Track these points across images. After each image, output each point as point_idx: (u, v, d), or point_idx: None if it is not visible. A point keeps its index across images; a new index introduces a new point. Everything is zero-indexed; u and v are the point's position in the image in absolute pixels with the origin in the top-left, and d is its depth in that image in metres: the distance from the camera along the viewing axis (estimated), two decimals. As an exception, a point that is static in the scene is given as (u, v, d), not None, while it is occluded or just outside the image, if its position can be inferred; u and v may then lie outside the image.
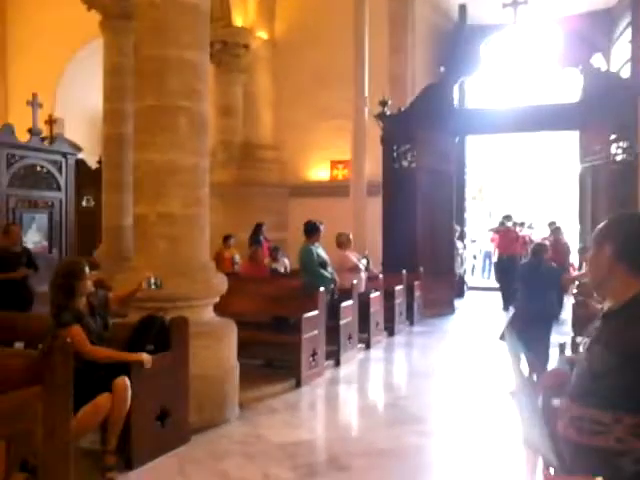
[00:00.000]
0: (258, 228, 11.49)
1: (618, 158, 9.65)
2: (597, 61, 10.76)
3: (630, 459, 1.58)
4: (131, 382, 3.94)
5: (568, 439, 1.74)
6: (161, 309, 4.60)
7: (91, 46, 13.85)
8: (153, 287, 4.42)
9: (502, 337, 6.33)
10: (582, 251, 8.11)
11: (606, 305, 1.83)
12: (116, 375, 3.90)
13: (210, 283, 5.13)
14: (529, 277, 6.30)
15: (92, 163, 13.32)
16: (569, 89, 11.20)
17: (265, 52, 14.24)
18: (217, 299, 5.28)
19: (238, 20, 13.71)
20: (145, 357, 4.08)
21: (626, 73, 12.43)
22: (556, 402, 1.97)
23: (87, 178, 12.91)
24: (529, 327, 5.85)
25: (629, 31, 13.26)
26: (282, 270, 9.82)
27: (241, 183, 13.48)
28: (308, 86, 13.45)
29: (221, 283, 5.27)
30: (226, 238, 10.50)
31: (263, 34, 14.14)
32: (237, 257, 10.61)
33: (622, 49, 13.68)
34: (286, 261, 10.27)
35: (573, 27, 11.77)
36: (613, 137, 9.69)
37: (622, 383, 1.62)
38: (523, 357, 2.07)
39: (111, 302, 4.47)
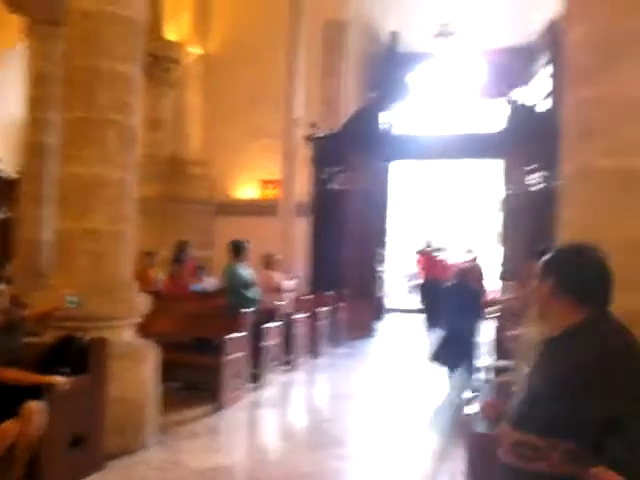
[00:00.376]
0: (183, 246, 11.22)
1: (537, 187, 10.09)
2: (519, 93, 11.26)
3: None
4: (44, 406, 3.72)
5: (509, 465, 1.76)
6: (80, 329, 4.39)
7: (10, 51, 13.25)
8: (73, 305, 4.22)
9: (432, 358, 6.65)
10: (504, 276, 8.44)
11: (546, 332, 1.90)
12: (28, 399, 3.67)
13: (133, 302, 4.95)
14: (453, 299, 6.61)
15: (7, 173, 12.69)
16: (494, 119, 11.66)
17: (197, 68, 14.11)
18: (139, 319, 5.10)
19: (170, 34, 13.54)
20: (58, 380, 3.86)
21: (545, 106, 13.08)
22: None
23: (2, 188, 12.29)
24: (455, 345, 6.28)
25: (548, 66, 14.00)
26: (207, 289, 9.62)
27: (167, 199, 13.19)
28: (240, 104, 13.39)
29: (144, 303, 5.10)
30: (150, 255, 10.20)
31: (196, 49, 14.01)
32: (160, 275, 10.32)
33: (541, 83, 14.40)
34: (212, 280, 10.07)
35: (497, 60, 12.31)
36: (534, 166, 10.13)
37: (558, 409, 1.65)
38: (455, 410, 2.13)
39: (27, 320, 4.22)
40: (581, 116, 4.35)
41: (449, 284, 7.18)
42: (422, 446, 5.03)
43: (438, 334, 6.91)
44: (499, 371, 4.08)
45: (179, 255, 10.82)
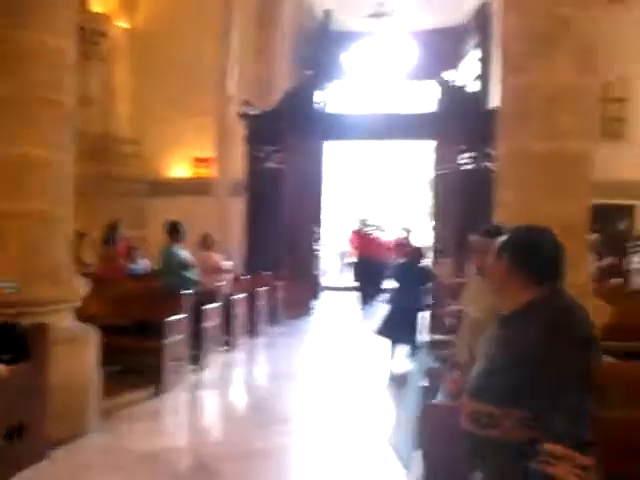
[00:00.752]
0: (114, 226, 10.94)
1: (468, 167, 10.41)
2: (450, 75, 11.52)
3: (516, 449, 1.74)
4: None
5: (468, 432, 1.90)
6: (19, 314, 4.25)
7: None
8: (11, 290, 4.08)
9: (378, 332, 7.05)
10: (436, 252, 8.85)
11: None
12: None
13: (71, 286, 4.83)
14: (404, 276, 7.14)
15: None
16: (426, 100, 11.88)
17: (125, 42, 13.64)
18: (78, 303, 4.98)
19: (96, 6, 13.00)
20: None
21: (475, 88, 13.45)
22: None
23: None
24: (404, 318, 6.74)
25: (478, 49, 14.38)
26: (141, 271, 9.44)
27: (97, 177, 12.75)
28: (172, 80, 13.01)
29: (82, 286, 4.99)
30: (80, 236, 9.89)
31: (123, 23, 13.52)
32: (90, 257, 10.05)
33: (471, 65, 14.78)
34: (146, 262, 9.89)
35: (430, 41, 12.52)
36: (464, 147, 10.44)
37: (511, 382, 1.78)
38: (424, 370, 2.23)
39: None
40: (516, 101, 4.54)
41: (401, 261, 7.69)
42: (364, 420, 5.19)
43: (385, 309, 7.27)
44: (439, 345, 4.25)
45: (111, 236, 10.57)
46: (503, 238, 2.00)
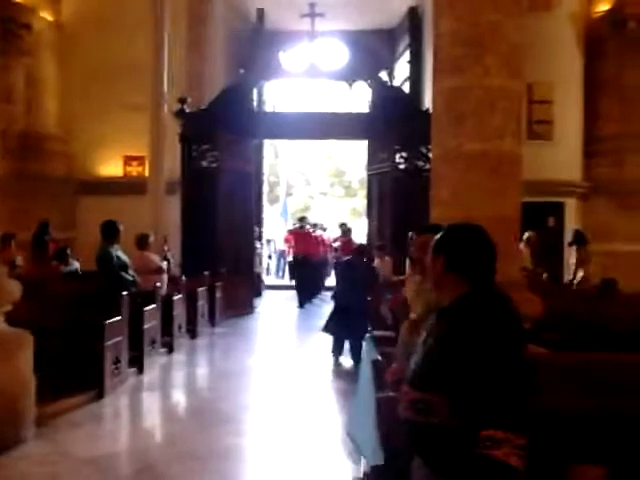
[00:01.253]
0: (43, 227, 10.56)
1: (401, 167, 10.65)
2: (382, 76, 11.73)
3: (456, 436, 1.83)
4: None
5: (407, 419, 2.00)
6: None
7: None
8: None
9: (325, 329, 7.31)
10: (377, 250, 9.07)
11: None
12: None
13: (2, 290, 4.66)
14: (348, 273, 7.26)
15: None
16: (359, 100, 12.06)
17: (51, 35, 13.11)
18: (9, 307, 4.82)
19: (19, -3, 12.46)
20: None
21: (406, 89, 13.77)
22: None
23: None
24: (350, 316, 6.89)
25: (408, 50, 14.72)
26: (74, 272, 9.18)
27: (21, 177, 12.25)
28: (100, 76, 12.65)
29: (14, 289, 4.83)
30: (5, 238, 9.50)
31: (47, 15, 13.02)
32: (19, 259, 9.67)
33: (403, 67, 15.11)
34: (76, 264, 9.61)
35: (362, 42, 12.71)
36: (397, 147, 10.66)
37: (446, 371, 1.88)
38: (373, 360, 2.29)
39: None
40: (449, 103, 4.71)
41: (345, 259, 7.86)
42: (310, 416, 5.26)
43: (329, 307, 7.53)
44: (382, 341, 4.36)
45: (40, 237, 10.21)
46: (437, 237, 2.09)
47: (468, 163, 4.34)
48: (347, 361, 7.20)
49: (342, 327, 7.06)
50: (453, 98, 4.57)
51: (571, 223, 10.87)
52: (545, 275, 9.11)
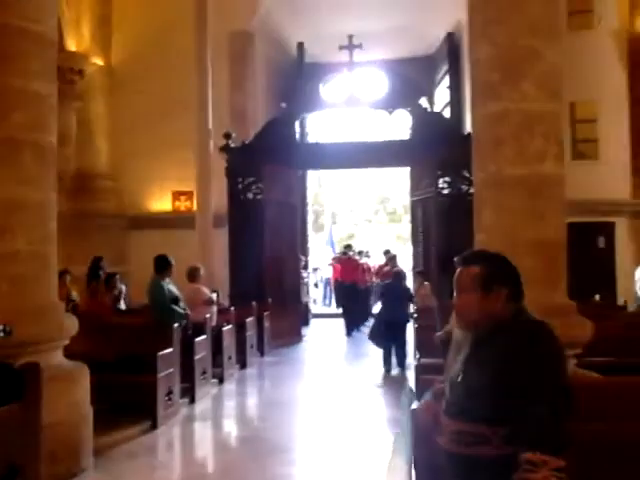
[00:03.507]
0: (97, 262, 10.92)
1: (444, 191, 10.64)
2: (423, 102, 11.80)
3: (505, 464, 1.82)
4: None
5: (449, 452, 1.98)
6: (8, 356, 4.26)
7: None
8: (1, 335, 4.09)
9: (370, 337, 8.70)
10: (417, 276, 9.37)
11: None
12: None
13: (61, 324, 4.86)
14: (391, 293, 8.59)
15: None
16: (400, 128, 12.14)
17: (101, 79, 13.76)
18: (67, 341, 5.01)
19: (71, 44, 13.13)
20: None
21: (447, 114, 13.80)
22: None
23: None
24: (390, 330, 8.33)
25: (447, 76, 14.80)
26: (121, 302, 9.43)
27: (75, 215, 12.76)
28: (148, 115, 13.17)
29: (72, 324, 5.02)
30: (61, 274, 9.84)
31: (98, 60, 13.66)
32: (74, 294, 10.01)
33: (443, 93, 15.16)
34: (123, 288, 9.86)
35: (401, 70, 12.85)
36: (439, 172, 10.67)
37: (491, 400, 1.87)
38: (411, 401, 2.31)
39: None
40: (489, 128, 4.72)
41: (387, 282, 9.25)
42: (363, 444, 5.24)
43: (376, 319, 8.97)
44: (425, 369, 4.35)
45: (94, 272, 10.54)
46: (491, 270, 2.04)
47: (509, 187, 4.33)
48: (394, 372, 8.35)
49: (388, 338, 8.40)
50: (491, 123, 4.58)
51: (622, 243, 10.60)
52: (597, 297, 8.89)
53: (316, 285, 17.80)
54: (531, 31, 4.67)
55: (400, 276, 8.90)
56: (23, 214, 4.72)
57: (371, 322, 13.17)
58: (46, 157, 4.93)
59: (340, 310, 13.06)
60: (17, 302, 4.60)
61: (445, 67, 14.80)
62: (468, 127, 12.00)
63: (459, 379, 2.01)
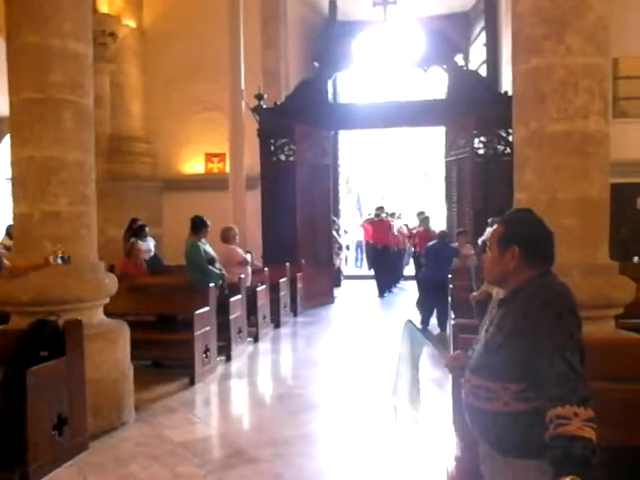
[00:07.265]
0: (133, 223, 11.08)
1: (480, 152, 10.44)
2: (459, 60, 11.50)
3: (514, 419, 1.89)
4: (25, 391, 3.75)
5: (469, 405, 2.05)
6: (51, 313, 4.38)
7: None
8: (60, 262, 4.25)
9: (417, 304, 8.95)
10: (459, 235, 9.12)
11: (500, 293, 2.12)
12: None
13: (101, 283, 4.97)
14: (435, 254, 8.56)
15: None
16: (435, 86, 11.89)
17: (133, 41, 13.71)
18: (107, 300, 5.13)
19: (103, 6, 13.08)
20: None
21: (483, 72, 13.45)
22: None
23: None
24: (434, 290, 8.24)
25: (483, 33, 14.37)
26: (151, 251, 9.51)
27: (110, 177, 12.89)
28: (180, 77, 13.16)
29: (112, 283, 5.12)
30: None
31: (130, 22, 13.59)
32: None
33: (479, 50, 14.75)
34: (152, 241, 9.97)
35: (436, 27, 12.49)
36: (475, 132, 10.45)
37: (505, 358, 1.91)
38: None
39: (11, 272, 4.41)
40: (530, 84, 4.58)
41: (433, 243, 8.97)
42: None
43: (421, 284, 8.99)
44: (462, 328, 4.32)
45: (133, 232, 10.69)
46: (508, 228, 2.05)
47: (551, 145, 4.21)
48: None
49: (431, 299, 8.50)
50: (534, 79, 4.43)
51: (663, 204, 10.33)
52: (636, 259, 8.71)
53: (347, 247, 17.82)
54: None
55: (446, 236, 8.94)
56: (63, 174, 4.78)
57: (402, 284, 13.22)
58: (85, 117, 4.97)
59: (372, 272, 13.06)
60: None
61: (481, 24, 14.36)
62: (504, 85, 11.75)
63: (481, 339, 2.08)
